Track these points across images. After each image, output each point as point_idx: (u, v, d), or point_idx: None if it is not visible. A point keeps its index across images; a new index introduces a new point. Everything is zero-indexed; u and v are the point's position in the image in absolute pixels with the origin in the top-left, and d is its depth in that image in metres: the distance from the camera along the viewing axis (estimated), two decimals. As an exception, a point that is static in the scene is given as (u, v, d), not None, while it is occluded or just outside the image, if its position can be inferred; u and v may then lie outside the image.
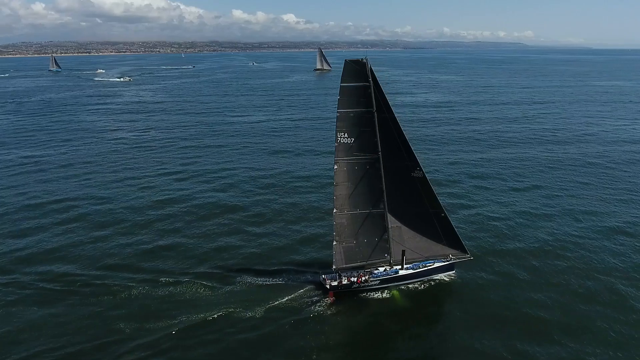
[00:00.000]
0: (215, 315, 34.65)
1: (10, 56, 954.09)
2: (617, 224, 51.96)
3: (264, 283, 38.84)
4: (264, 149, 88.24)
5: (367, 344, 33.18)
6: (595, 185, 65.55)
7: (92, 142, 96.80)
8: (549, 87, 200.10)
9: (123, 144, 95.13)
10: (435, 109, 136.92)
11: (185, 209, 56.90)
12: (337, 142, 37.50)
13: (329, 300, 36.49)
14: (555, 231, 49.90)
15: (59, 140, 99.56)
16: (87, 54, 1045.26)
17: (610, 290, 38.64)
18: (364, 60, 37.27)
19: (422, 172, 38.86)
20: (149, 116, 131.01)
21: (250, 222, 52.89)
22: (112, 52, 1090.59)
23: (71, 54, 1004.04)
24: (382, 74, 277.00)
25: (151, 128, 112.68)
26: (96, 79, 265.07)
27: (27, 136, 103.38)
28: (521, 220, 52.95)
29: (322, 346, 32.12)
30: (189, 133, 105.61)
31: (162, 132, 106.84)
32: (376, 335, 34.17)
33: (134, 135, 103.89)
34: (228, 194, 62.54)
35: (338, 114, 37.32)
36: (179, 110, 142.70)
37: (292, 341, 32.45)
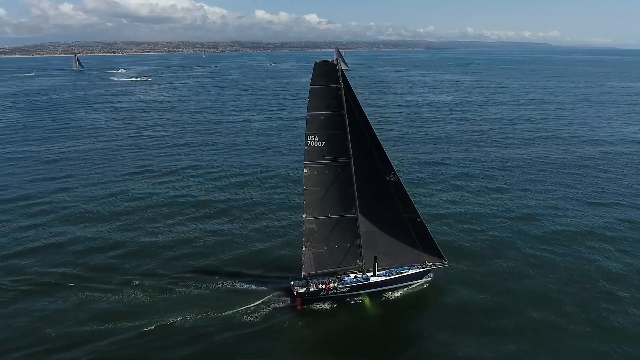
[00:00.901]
0: (179, 320, 34.20)
1: (38, 56, 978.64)
2: (598, 228, 50.58)
3: (233, 287, 38.25)
4: (251, 148, 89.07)
5: (331, 353, 32.32)
6: (579, 189, 63.59)
7: (81, 140, 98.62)
8: (561, 88, 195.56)
9: (112, 141, 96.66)
10: (437, 109, 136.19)
11: (156, 209, 56.84)
12: (307, 146, 36.67)
13: (296, 307, 35.74)
14: (534, 237, 48.50)
15: (49, 137, 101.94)
16: (112, 53, 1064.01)
17: (590, 297, 37.37)
18: (334, 62, 36.47)
19: (397, 175, 37.81)
20: (149, 115, 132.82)
21: (223, 223, 52.32)
22: (136, 52, 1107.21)
23: (97, 54, 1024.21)
24: (395, 75, 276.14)
25: (147, 127, 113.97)
26: (112, 78, 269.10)
27: (21, 133, 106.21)
28: (501, 224, 51.42)
29: (283, 354, 31.42)
30: (182, 131, 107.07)
31: (155, 131, 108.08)
32: (342, 343, 33.38)
33: (127, 134, 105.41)
34: (203, 194, 62.24)
35: (308, 117, 36.48)
36: (181, 109, 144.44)
37: (253, 348, 31.79)
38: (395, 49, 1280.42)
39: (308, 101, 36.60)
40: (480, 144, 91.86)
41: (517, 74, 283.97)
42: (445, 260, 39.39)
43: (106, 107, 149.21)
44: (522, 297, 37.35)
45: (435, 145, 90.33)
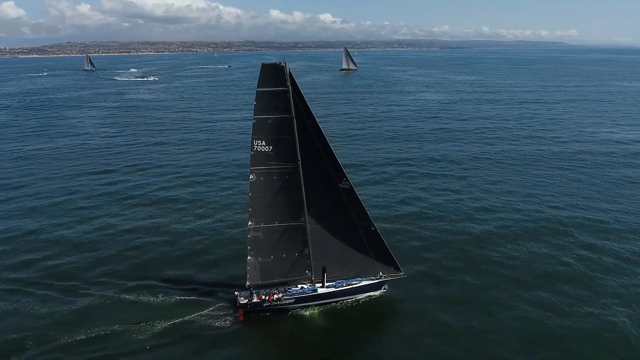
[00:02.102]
0: (115, 329, 33.02)
1: (54, 55, 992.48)
2: (562, 229, 49.36)
3: (175, 297, 36.91)
4: (207, 147, 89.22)
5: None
6: (543, 194, 61.15)
7: (52, 139, 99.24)
8: (562, 87, 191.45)
9: (83, 140, 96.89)
10: (424, 108, 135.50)
11: (103, 212, 55.88)
12: (253, 151, 35.20)
13: (238, 318, 34.33)
14: (498, 244, 46.59)
15: (25, 136, 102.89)
16: (127, 53, 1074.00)
17: (551, 302, 35.88)
18: (282, 64, 34.96)
19: (349, 182, 36.19)
20: (135, 114, 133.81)
21: (170, 228, 50.96)
22: (151, 51, 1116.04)
23: (112, 54, 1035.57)
24: (398, 74, 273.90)
25: (127, 126, 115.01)
26: (116, 78, 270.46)
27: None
28: (464, 233, 49.21)
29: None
30: (159, 130, 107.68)
31: (135, 130, 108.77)
32: (283, 357, 31.98)
33: (103, 132, 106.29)
34: (154, 195, 61.56)
35: (254, 120, 34.99)
36: (170, 107, 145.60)
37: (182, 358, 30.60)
38: (409, 49, 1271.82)
39: (255, 104, 35.13)
40: (450, 144, 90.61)
41: (520, 74, 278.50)
42: (401, 272, 37.61)
43: (95, 107, 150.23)
44: (483, 311, 35.46)
45: (399, 144, 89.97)
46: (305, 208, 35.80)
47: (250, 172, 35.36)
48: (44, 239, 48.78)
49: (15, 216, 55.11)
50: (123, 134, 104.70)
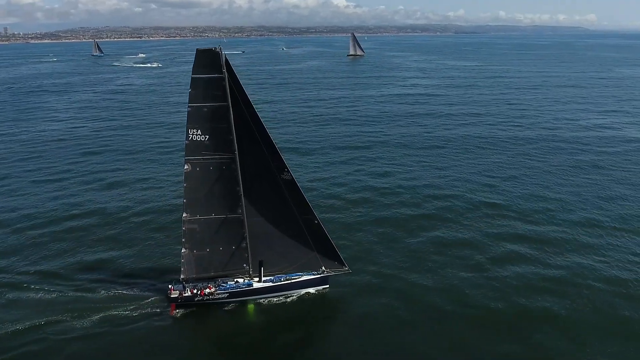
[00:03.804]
0: (38, 323, 32.14)
1: (67, 41, 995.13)
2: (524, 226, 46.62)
3: (106, 289, 35.96)
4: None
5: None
6: (501, 187, 59.06)
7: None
8: (560, 74, 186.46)
9: (46, 129, 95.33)
10: (410, 95, 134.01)
11: (38, 203, 54.48)
12: (187, 140, 33.96)
13: (169, 313, 33.43)
14: (447, 239, 45.06)
15: None
16: (139, 38, 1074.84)
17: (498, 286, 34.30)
18: (218, 49, 33.48)
19: (290, 174, 34.92)
20: (117, 99, 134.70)
21: (106, 222, 49.42)
22: (162, 37, 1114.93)
23: (124, 39, 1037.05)
24: (398, 60, 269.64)
25: (101, 110, 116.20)
26: (115, 64, 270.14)
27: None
28: (412, 225, 47.69)
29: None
30: (130, 115, 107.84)
31: (108, 115, 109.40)
32: (211, 352, 31.28)
33: (71, 119, 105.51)
34: (93, 183, 61.06)
35: (189, 109, 33.64)
36: (158, 92, 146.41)
37: (111, 354, 29.80)
38: (423, 34, 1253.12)
39: (189, 92, 33.80)
40: (417, 129, 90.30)
41: (523, 59, 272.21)
42: (345, 266, 36.32)
43: (80, 93, 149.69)
44: (430, 309, 34.08)
45: (361, 128, 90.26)
46: (243, 200, 34.61)
47: (185, 162, 34.16)
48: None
49: None
50: (91, 119, 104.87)
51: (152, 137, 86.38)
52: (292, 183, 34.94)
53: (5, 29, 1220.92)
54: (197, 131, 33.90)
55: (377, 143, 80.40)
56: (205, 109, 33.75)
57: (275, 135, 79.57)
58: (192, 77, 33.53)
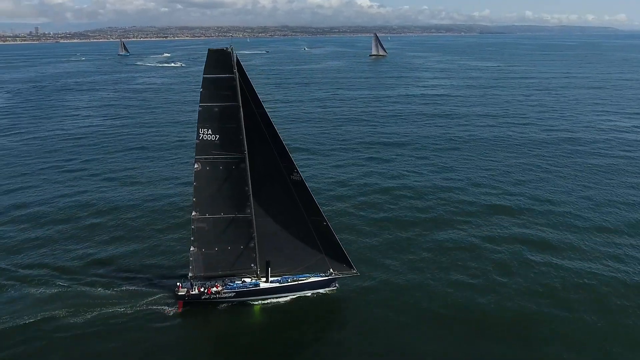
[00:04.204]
0: (44, 317, 32.60)
1: (95, 40, 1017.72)
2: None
3: (117, 285, 36.30)
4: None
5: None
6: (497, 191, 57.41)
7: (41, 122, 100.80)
8: (584, 75, 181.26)
9: (59, 128, 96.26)
10: (420, 95, 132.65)
11: (53, 201, 55.01)
12: (198, 139, 34.17)
13: (177, 310, 33.68)
14: (457, 245, 43.82)
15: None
16: (164, 38, 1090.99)
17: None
18: (229, 50, 33.61)
19: (300, 175, 34.83)
20: (135, 99, 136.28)
21: (116, 218, 49.93)
22: (187, 36, 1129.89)
23: (150, 39, 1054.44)
24: (419, 61, 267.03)
25: (120, 108, 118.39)
26: (138, 63, 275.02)
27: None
28: (424, 231, 46.61)
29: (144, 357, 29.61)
30: (148, 113, 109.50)
31: (124, 114, 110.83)
32: (215, 350, 31.47)
33: (94, 119, 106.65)
34: (117, 187, 60.40)
35: (200, 108, 33.93)
36: (175, 91, 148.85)
37: (118, 350, 30.18)
38: (447, 34, 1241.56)
39: (201, 92, 34.06)
40: (429, 129, 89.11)
41: (547, 60, 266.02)
42: (353, 269, 36.02)
43: (98, 92, 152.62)
44: (438, 318, 33.34)
45: (375, 129, 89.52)
46: (252, 200, 34.68)
47: (195, 161, 34.40)
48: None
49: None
50: (110, 117, 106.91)
51: (167, 135, 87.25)
52: (301, 184, 34.82)
53: (37, 28, 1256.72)
54: (207, 131, 34.09)
55: (390, 143, 79.67)
56: (216, 109, 33.92)
57: (288, 134, 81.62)
58: (203, 77, 33.77)
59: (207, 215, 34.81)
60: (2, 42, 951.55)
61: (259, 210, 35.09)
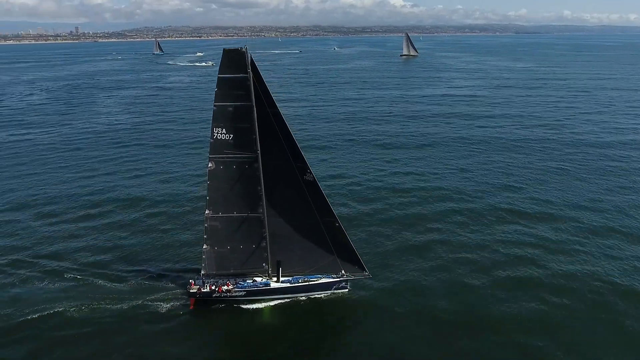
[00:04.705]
0: (54, 311, 33.35)
1: (132, 40, 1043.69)
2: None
3: (130, 280, 36.89)
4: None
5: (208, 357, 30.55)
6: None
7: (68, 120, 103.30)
8: (619, 76, 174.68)
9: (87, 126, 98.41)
10: (453, 97, 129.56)
11: (71, 198, 55.98)
12: (212, 138, 34.48)
13: (189, 307, 34.09)
14: (475, 246, 43.00)
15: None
16: (198, 37, 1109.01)
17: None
18: (244, 49, 33.80)
19: (313, 175, 34.70)
20: (160, 97, 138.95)
21: (132, 213, 50.91)
22: (221, 36, 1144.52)
23: (184, 38, 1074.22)
24: (448, 61, 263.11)
25: (144, 106, 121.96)
26: (169, 62, 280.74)
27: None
28: (440, 230, 46.16)
29: (152, 351, 30.07)
30: (160, 115, 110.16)
31: (146, 113, 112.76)
32: (224, 349, 31.70)
33: (120, 115, 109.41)
34: (135, 183, 61.46)
35: (215, 108, 34.25)
36: (198, 90, 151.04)
37: (124, 343, 30.75)
38: (481, 34, 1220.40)
39: (215, 91, 34.35)
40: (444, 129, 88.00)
41: (582, 61, 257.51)
42: (365, 271, 35.69)
43: (127, 90, 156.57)
44: (450, 323, 32.68)
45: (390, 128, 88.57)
46: (264, 199, 34.76)
47: (209, 160, 34.69)
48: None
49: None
50: (136, 113, 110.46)
51: (188, 133, 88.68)
52: (314, 184, 34.67)
53: (77, 28, 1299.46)
54: (221, 130, 34.35)
55: (407, 144, 78.76)
56: (230, 108, 34.13)
57: (306, 133, 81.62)
58: (218, 77, 34.06)
59: (220, 214, 35.07)
60: (44, 42, 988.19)
61: (271, 210, 35.14)
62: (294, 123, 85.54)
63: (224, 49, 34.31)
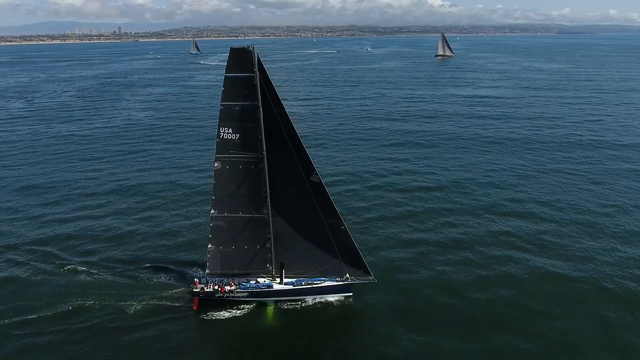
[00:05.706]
0: (57, 306, 33.89)
1: (171, 39, 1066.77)
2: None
3: (135, 278, 37.35)
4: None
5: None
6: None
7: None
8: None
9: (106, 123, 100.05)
10: (480, 98, 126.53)
11: (81, 193, 57.13)
12: (219, 138, 34.46)
13: (192, 306, 34.13)
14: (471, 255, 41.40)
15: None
16: (236, 37, 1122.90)
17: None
18: (250, 48, 33.63)
19: (319, 176, 34.17)
20: (187, 95, 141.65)
21: (145, 211, 51.55)
22: (257, 36, 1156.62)
23: (222, 38, 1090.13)
24: (480, 62, 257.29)
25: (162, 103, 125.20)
26: (201, 62, 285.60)
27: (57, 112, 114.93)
28: (448, 234, 44.78)
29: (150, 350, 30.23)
30: (181, 116, 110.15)
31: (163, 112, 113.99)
32: (225, 351, 31.54)
33: (143, 112, 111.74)
34: (156, 179, 62.10)
35: (221, 107, 34.24)
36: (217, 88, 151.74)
37: (127, 342, 30.93)
38: (522, 34, 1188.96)
39: (222, 90, 34.30)
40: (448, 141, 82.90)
41: (624, 62, 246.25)
42: (370, 276, 34.88)
43: (155, 88, 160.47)
44: (455, 331, 31.62)
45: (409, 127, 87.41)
46: (269, 200, 34.46)
47: (216, 160, 34.66)
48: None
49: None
50: (159, 110, 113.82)
51: (206, 131, 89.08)
52: (319, 186, 34.13)
53: (119, 28, 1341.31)
54: (228, 129, 34.27)
55: (422, 144, 77.89)
56: (237, 108, 34.01)
57: (314, 132, 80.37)
58: (225, 76, 33.95)
59: (225, 214, 34.98)
60: (88, 41, 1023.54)
61: (277, 211, 34.80)
62: (305, 122, 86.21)
63: (230, 48, 34.28)
